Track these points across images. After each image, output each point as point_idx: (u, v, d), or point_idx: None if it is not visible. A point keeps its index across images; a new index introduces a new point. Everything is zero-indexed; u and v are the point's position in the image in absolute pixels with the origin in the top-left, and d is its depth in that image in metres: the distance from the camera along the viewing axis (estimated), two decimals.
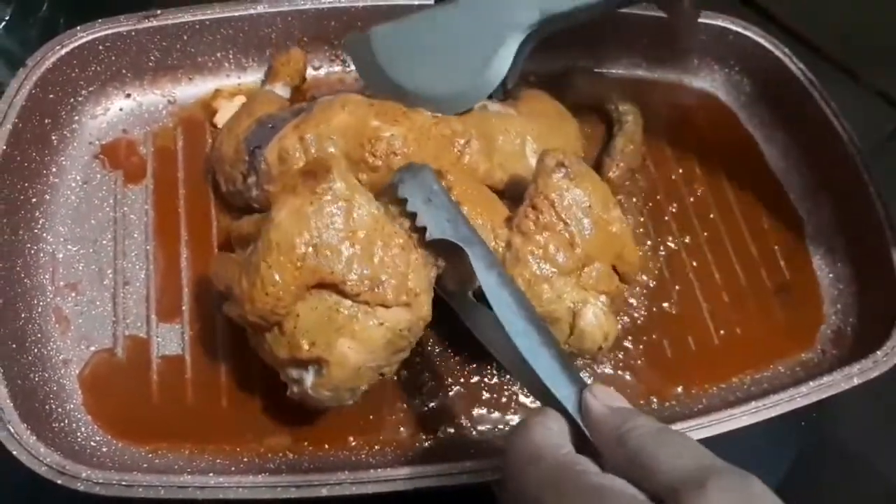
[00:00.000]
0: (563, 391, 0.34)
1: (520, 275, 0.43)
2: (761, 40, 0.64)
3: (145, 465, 0.44)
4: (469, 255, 0.40)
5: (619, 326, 0.53)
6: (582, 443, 0.32)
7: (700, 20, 0.64)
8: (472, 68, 0.50)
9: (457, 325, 0.50)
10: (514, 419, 0.48)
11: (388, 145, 0.47)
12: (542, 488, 0.29)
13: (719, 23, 0.64)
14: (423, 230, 0.41)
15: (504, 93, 0.52)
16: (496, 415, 0.49)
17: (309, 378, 0.41)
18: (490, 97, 0.51)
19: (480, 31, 0.49)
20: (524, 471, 0.30)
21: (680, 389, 0.51)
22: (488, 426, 0.48)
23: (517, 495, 0.30)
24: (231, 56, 0.59)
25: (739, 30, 0.64)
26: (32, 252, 0.50)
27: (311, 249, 0.39)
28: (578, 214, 0.44)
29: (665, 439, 0.29)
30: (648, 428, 0.30)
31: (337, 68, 0.62)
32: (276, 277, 0.39)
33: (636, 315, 0.54)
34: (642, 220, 0.58)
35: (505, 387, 0.49)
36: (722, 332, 0.54)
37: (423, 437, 0.47)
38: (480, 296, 0.40)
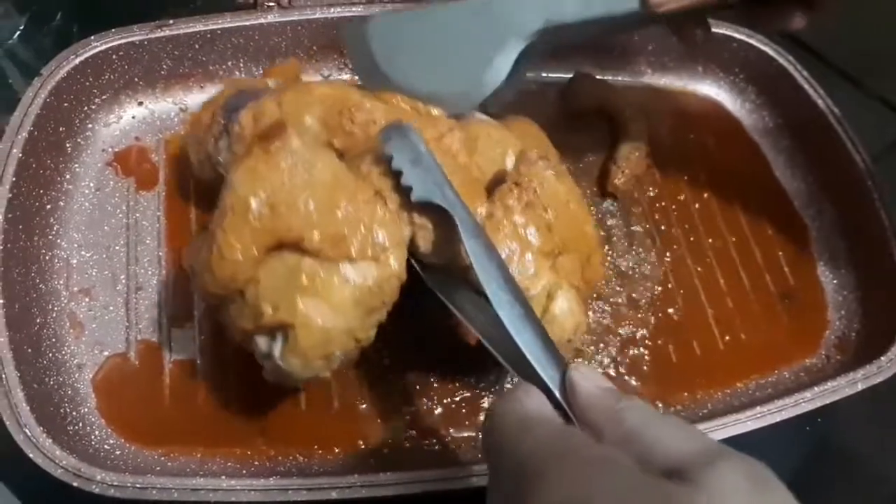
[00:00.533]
0: (548, 370, 0.33)
1: (501, 244, 0.42)
2: (766, 48, 0.64)
3: (158, 468, 0.45)
4: (456, 220, 0.38)
5: (624, 333, 0.53)
6: (566, 422, 0.31)
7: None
8: (470, 71, 0.48)
9: (463, 328, 0.51)
10: None
11: (369, 114, 0.45)
12: (543, 459, 0.26)
13: (724, 31, 0.64)
14: (408, 190, 0.40)
15: (498, 105, 0.51)
16: None
17: (277, 347, 0.39)
18: (484, 107, 0.50)
19: (482, 34, 0.47)
20: (519, 440, 0.28)
21: (685, 395, 0.52)
22: None
23: (511, 468, 0.28)
24: (241, 65, 0.60)
25: (744, 38, 0.64)
26: (47, 258, 0.51)
27: (266, 209, 0.37)
28: (557, 204, 0.43)
29: (667, 420, 0.28)
30: (646, 408, 0.29)
31: (346, 76, 0.62)
32: (233, 241, 0.37)
33: (642, 321, 0.54)
34: (647, 226, 0.59)
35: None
36: (727, 337, 0.55)
37: (433, 440, 0.48)
38: (460, 272, 0.39)
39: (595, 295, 0.55)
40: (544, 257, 0.43)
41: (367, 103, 0.46)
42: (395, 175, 0.40)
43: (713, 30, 0.63)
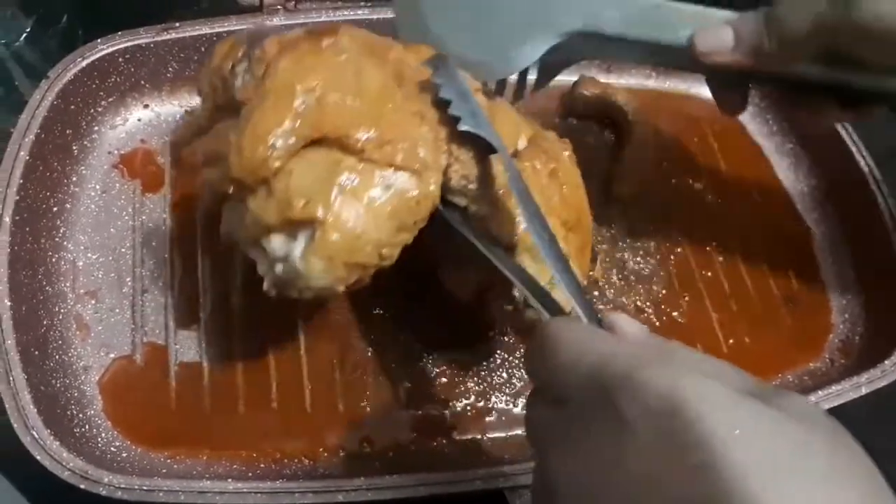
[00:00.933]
0: (586, 311, 0.31)
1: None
2: None
3: (164, 471, 0.45)
4: (502, 156, 0.37)
5: None
6: None
7: None
8: (501, 46, 0.47)
9: (468, 329, 0.52)
10: None
11: (402, 55, 0.42)
12: (635, 357, 0.25)
13: None
14: (455, 120, 0.38)
15: (524, 97, 0.51)
16: (508, 422, 0.49)
17: (299, 246, 0.36)
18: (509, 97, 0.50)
19: (524, 15, 0.47)
20: (593, 349, 0.26)
21: None
22: (500, 433, 0.49)
23: (591, 375, 0.25)
24: None
25: None
26: (53, 260, 0.51)
27: (312, 100, 0.35)
28: (571, 184, 0.43)
29: (714, 360, 0.26)
30: (691, 350, 0.27)
31: None
32: (273, 125, 0.35)
33: (646, 323, 0.54)
34: (651, 229, 0.59)
35: (519, 395, 0.50)
36: (731, 340, 0.55)
37: (438, 443, 0.48)
38: (481, 219, 0.39)
39: (598, 294, 0.55)
40: (561, 226, 0.42)
41: (402, 48, 0.43)
42: (441, 104, 0.38)
43: None
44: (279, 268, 0.37)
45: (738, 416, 0.22)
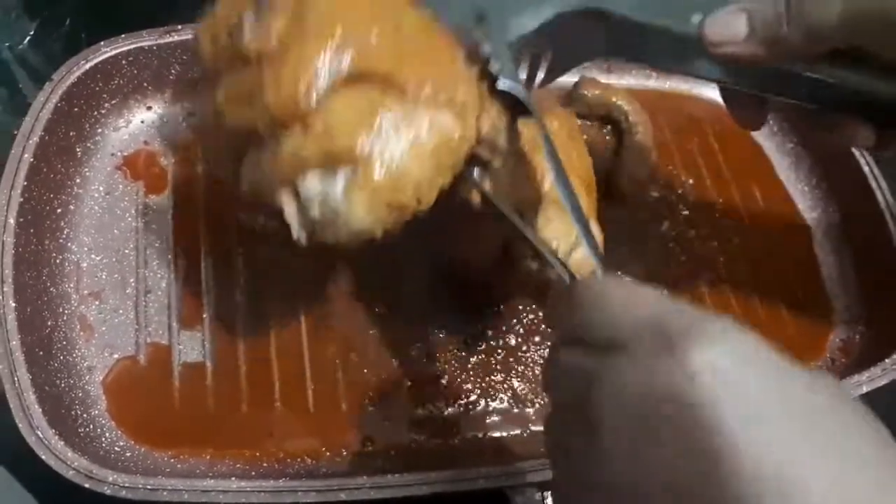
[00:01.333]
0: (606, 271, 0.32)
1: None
2: None
3: (168, 470, 0.45)
4: (535, 116, 0.37)
5: None
6: None
7: None
8: (502, 10, 0.42)
9: (472, 330, 0.52)
10: (529, 429, 0.49)
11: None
12: (686, 314, 0.26)
13: None
14: (493, 77, 0.37)
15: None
16: (511, 421, 0.49)
17: (339, 184, 0.34)
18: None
19: None
20: (645, 304, 0.27)
21: None
22: (503, 432, 0.49)
23: (646, 328, 0.26)
24: None
25: None
26: (58, 261, 0.51)
27: (355, 35, 0.34)
28: (581, 151, 0.43)
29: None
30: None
31: None
32: (314, 57, 0.33)
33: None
34: (652, 230, 0.59)
35: (520, 395, 0.50)
36: None
37: (440, 442, 0.48)
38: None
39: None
40: (580, 185, 0.42)
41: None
42: (482, 59, 0.37)
43: None
44: (315, 209, 0.35)
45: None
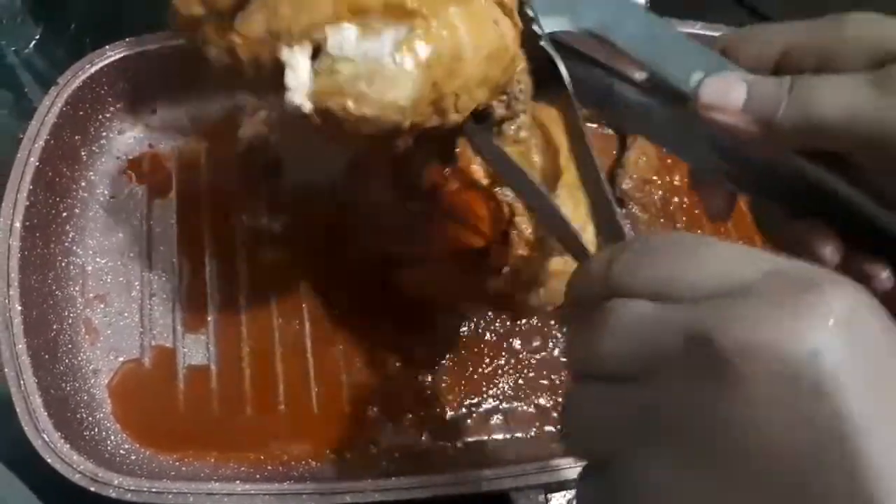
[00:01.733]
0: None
1: None
2: None
3: (173, 473, 0.45)
4: (566, 84, 0.34)
5: None
6: None
7: (712, 33, 0.64)
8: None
9: (477, 334, 0.52)
10: (532, 431, 0.49)
11: None
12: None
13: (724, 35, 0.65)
14: (533, 36, 0.35)
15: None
16: (512, 424, 0.50)
17: (387, 43, 0.30)
18: None
19: None
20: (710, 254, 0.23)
21: None
22: (505, 435, 0.49)
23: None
24: None
25: None
26: (63, 265, 0.51)
27: None
28: None
29: None
30: None
31: None
32: None
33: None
34: (655, 230, 0.59)
35: (525, 397, 0.50)
36: None
37: (443, 444, 0.48)
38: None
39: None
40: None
41: None
42: (526, 18, 0.35)
43: (714, 34, 0.64)
44: (345, 68, 0.30)
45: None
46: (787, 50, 0.33)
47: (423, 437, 0.48)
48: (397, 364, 0.51)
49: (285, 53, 0.30)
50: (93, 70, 0.54)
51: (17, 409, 0.42)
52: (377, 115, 0.30)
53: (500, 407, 0.50)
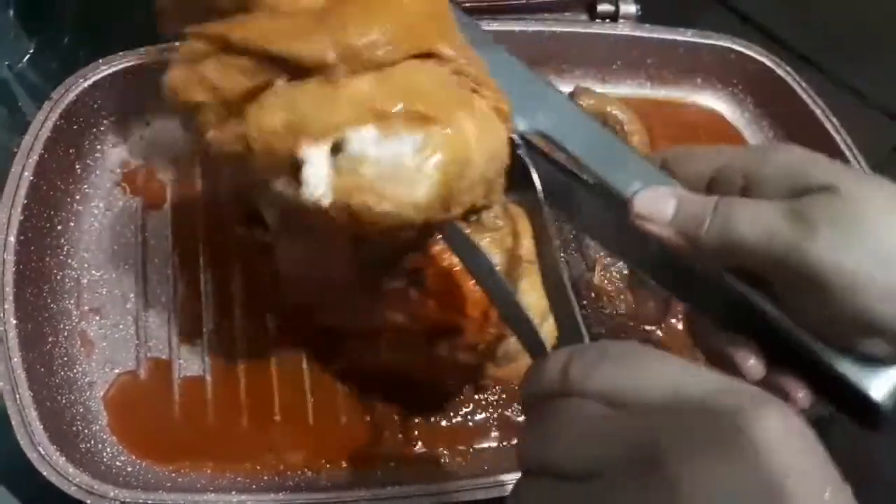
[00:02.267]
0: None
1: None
2: (763, 59, 0.65)
3: (169, 484, 0.45)
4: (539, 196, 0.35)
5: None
6: None
7: (703, 41, 0.65)
8: None
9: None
10: None
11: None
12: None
13: (722, 43, 0.65)
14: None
15: None
16: (507, 432, 0.50)
17: (408, 145, 0.31)
18: None
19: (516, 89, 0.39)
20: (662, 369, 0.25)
21: None
22: (501, 443, 0.49)
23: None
24: None
25: (742, 49, 0.65)
26: (58, 278, 0.52)
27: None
28: None
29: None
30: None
31: None
32: (387, 24, 0.31)
33: (648, 332, 0.55)
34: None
35: (519, 405, 0.50)
36: None
37: (439, 453, 0.48)
38: None
39: (595, 298, 0.56)
40: None
41: None
42: None
43: (712, 42, 0.65)
44: (367, 167, 0.31)
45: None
46: (720, 169, 0.35)
47: (418, 446, 0.48)
48: (393, 375, 0.50)
49: (305, 150, 0.30)
50: (86, 84, 0.55)
51: (13, 422, 0.42)
52: (397, 213, 0.31)
53: (495, 416, 0.50)
